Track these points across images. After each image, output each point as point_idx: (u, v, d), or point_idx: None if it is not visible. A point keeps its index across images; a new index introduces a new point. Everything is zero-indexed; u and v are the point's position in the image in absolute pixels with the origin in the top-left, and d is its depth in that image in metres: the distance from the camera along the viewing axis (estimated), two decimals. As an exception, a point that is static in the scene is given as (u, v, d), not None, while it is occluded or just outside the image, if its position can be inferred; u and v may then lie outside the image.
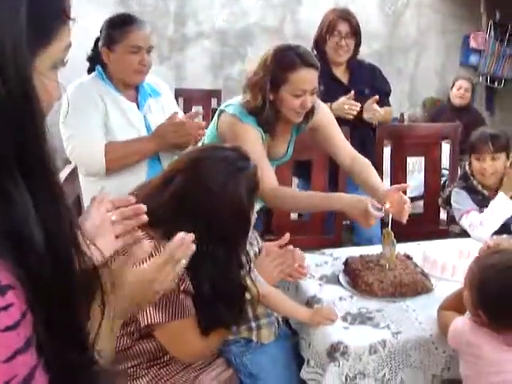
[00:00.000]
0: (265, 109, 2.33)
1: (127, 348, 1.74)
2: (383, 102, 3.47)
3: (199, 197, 1.67)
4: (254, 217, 1.84)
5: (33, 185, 0.72)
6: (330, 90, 3.21)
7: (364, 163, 2.55)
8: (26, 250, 0.71)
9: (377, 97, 3.25)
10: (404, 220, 2.21)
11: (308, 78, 2.30)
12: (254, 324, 1.98)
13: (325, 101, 3.05)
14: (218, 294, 1.69)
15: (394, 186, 2.37)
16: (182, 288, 1.65)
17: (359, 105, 3.21)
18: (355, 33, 3.34)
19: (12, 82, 0.69)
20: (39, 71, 0.74)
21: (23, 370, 0.70)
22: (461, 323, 1.73)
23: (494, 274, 1.63)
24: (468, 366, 1.70)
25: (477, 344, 1.64)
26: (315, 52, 3.36)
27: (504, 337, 1.62)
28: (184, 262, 1.21)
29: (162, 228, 1.64)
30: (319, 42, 3.38)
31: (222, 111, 2.47)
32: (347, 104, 3.19)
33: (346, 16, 3.35)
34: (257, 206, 1.91)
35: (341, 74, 3.41)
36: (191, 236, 1.22)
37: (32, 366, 0.72)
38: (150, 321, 1.63)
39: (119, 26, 2.47)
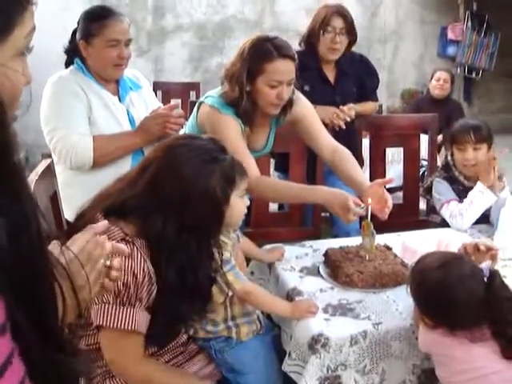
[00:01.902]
0: (242, 100, 2.32)
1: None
2: (369, 97, 3.47)
3: (171, 184, 1.66)
4: (242, 199, 1.85)
5: None
6: (316, 88, 3.21)
7: (345, 156, 2.53)
8: None
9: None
10: (385, 217, 2.22)
11: (284, 68, 2.29)
12: (231, 323, 1.97)
13: (311, 100, 3.08)
14: (184, 283, 1.68)
15: (377, 180, 2.35)
16: (139, 295, 1.62)
17: (348, 118, 3.15)
18: (349, 29, 3.22)
19: None
20: (2, 62, 0.73)
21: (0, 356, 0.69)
22: (422, 335, 1.75)
23: (425, 278, 1.69)
24: (441, 368, 1.73)
25: (446, 345, 1.66)
26: (304, 47, 3.31)
27: (459, 336, 1.63)
28: (102, 261, 1.14)
29: (136, 219, 1.65)
30: (311, 38, 3.26)
31: (201, 103, 2.46)
32: (336, 112, 3.14)
33: (341, 11, 3.22)
34: (247, 201, 1.91)
35: (329, 72, 3.32)
36: (104, 237, 1.17)
37: (8, 351, 0.70)
38: (100, 321, 1.61)
39: (97, 19, 2.43)
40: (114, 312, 1.61)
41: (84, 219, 1.70)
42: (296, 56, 2.35)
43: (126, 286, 1.60)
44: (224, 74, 2.40)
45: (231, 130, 2.33)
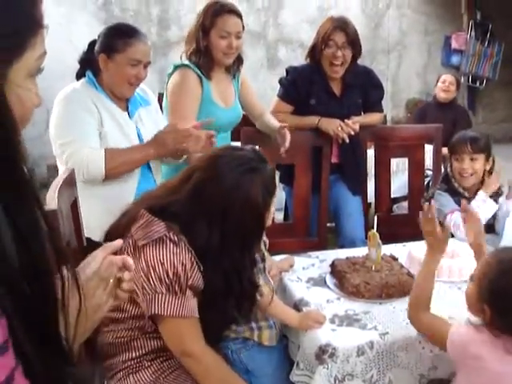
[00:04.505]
0: (200, 52, 2.82)
1: (134, 339, 1.81)
2: (374, 108, 3.48)
3: (214, 193, 1.74)
4: (270, 217, 1.89)
5: (6, 196, 0.72)
6: (322, 101, 3.23)
7: (269, 114, 3.18)
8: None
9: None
10: (281, 149, 2.86)
11: (231, 21, 2.81)
12: (254, 325, 2.01)
13: (317, 113, 3.16)
14: (230, 289, 1.76)
15: (280, 124, 2.98)
16: (189, 283, 1.70)
17: (352, 132, 3.16)
18: (352, 42, 3.19)
19: None
20: (13, 82, 0.74)
21: (1, 373, 0.71)
22: (460, 333, 1.68)
23: (508, 271, 1.59)
24: (469, 378, 1.67)
25: (479, 355, 1.61)
26: (309, 61, 3.32)
27: (504, 342, 1.58)
28: (112, 280, 1.14)
29: (179, 222, 1.73)
30: (315, 52, 3.26)
31: (168, 74, 2.90)
32: (341, 125, 3.15)
33: (342, 25, 3.19)
34: (273, 208, 1.94)
35: (335, 85, 3.31)
36: (120, 258, 1.17)
37: (11, 368, 0.72)
38: (153, 311, 1.69)
39: (122, 36, 2.43)
40: (168, 301, 1.68)
41: (128, 216, 1.81)
42: (242, 14, 2.87)
43: (176, 275, 1.67)
44: (185, 39, 2.94)
45: (189, 79, 2.81)
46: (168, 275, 1.67)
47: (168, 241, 1.70)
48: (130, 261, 1.17)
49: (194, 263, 1.72)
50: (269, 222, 1.90)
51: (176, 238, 1.70)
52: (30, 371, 0.75)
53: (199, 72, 2.83)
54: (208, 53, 2.84)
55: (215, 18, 2.79)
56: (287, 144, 2.87)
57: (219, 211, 1.73)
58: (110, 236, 1.83)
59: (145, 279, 1.69)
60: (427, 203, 1.93)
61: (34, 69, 0.79)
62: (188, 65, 2.83)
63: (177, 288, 1.68)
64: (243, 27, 2.88)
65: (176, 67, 2.87)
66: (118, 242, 1.20)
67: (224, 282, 1.75)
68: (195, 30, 2.85)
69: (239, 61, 3.00)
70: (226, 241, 1.73)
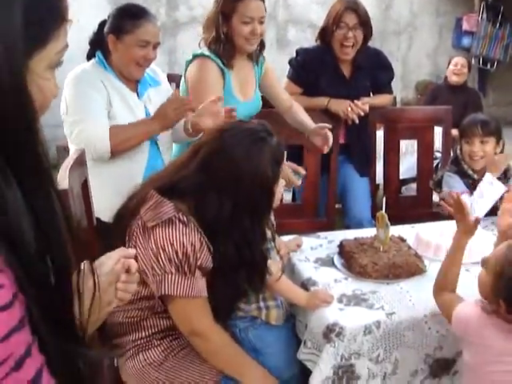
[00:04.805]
0: (220, 40, 2.65)
1: (144, 319, 1.84)
2: (384, 90, 3.48)
3: (223, 166, 1.75)
4: (280, 191, 1.90)
5: (27, 183, 0.75)
6: (331, 83, 3.24)
7: (299, 108, 3.01)
8: (17, 245, 0.73)
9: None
10: (323, 151, 2.77)
11: (254, 5, 2.63)
12: (262, 304, 2.03)
13: (326, 94, 3.15)
14: (242, 260, 1.77)
15: (319, 124, 2.82)
16: (198, 263, 1.72)
17: (362, 113, 3.17)
18: (363, 23, 3.19)
19: (5, 83, 0.71)
20: (35, 72, 0.76)
21: (19, 348, 0.73)
22: (466, 310, 1.70)
23: None
24: (472, 354, 1.69)
25: (483, 333, 1.63)
26: (319, 43, 3.32)
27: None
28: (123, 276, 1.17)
29: (188, 201, 1.75)
30: (325, 34, 3.25)
31: (189, 61, 2.74)
32: (350, 106, 3.16)
33: (353, 6, 3.18)
34: (283, 182, 1.94)
35: (345, 67, 3.31)
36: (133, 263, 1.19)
37: (28, 343, 0.75)
38: (163, 291, 1.71)
39: (131, 17, 2.44)
40: (177, 281, 1.70)
41: (137, 197, 1.81)
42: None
43: (186, 255, 1.69)
44: (203, 24, 2.74)
45: (209, 72, 2.65)
46: (177, 255, 1.69)
47: (177, 221, 1.71)
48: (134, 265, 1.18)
49: (204, 243, 1.73)
50: (278, 197, 1.90)
51: (185, 219, 1.71)
52: (44, 348, 0.78)
53: (220, 62, 2.68)
54: (229, 40, 2.67)
55: (236, 3, 2.61)
56: (330, 144, 2.76)
57: (229, 183, 1.74)
58: (119, 218, 1.85)
59: (154, 260, 1.71)
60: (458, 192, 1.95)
61: (55, 61, 0.81)
62: (208, 55, 2.68)
63: (186, 268, 1.70)
64: (265, 10, 2.71)
65: (195, 56, 2.72)
66: (133, 251, 1.21)
67: (235, 253, 1.76)
68: (214, 15, 2.67)
69: (261, 45, 2.83)
70: (237, 212, 1.74)
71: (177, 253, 1.69)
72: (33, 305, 0.75)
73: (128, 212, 1.82)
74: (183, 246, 1.69)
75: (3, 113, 0.71)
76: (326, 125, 2.80)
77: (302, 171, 2.53)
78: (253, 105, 2.89)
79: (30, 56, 0.75)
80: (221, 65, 2.68)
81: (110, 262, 1.14)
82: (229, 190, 1.74)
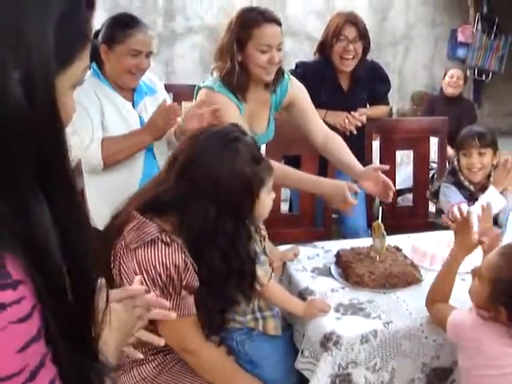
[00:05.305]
0: (235, 71, 2.36)
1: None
2: (380, 101, 3.52)
3: (200, 172, 1.71)
4: (270, 195, 1.85)
5: (54, 198, 0.76)
6: (329, 96, 3.26)
7: (338, 141, 2.61)
8: (42, 258, 0.74)
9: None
10: (389, 200, 2.35)
11: (272, 32, 2.36)
12: (259, 315, 2.02)
13: (324, 107, 3.14)
14: (230, 268, 1.74)
15: (371, 165, 2.45)
16: (184, 283, 1.69)
17: (359, 124, 3.20)
18: (362, 36, 3.23)
19: (40, 101, 0.73)
20: (58, 90, 0.78)
21: (35, 359, 0.74)
22: (461, 315, 1.72)
23: None
24: (467, 359, 1.71)
25: (478, 338, 1.64)
26: (319, 57, 3.34)
27: (507, 328, 1.60)
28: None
29: (172, 214, 1.72)
30: (325, 47, 3.27)
31: (199, 88, 2.50)
32: (348, 117, 3.18)
33: (352, 20, 3.22)
34: (273, 195, 1.90)
35: (343, 80, 3.34)
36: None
37: (43, 354, 0.76)
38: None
39: (122, 27, 2.46)
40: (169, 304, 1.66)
41: (120, 218, 1.78)
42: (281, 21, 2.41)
43: (170, 277, 1.66)
44: (215, 52, 2.44)
45: (228, 110, 2.37)
46: (161, 278, 1.66)
47: (160, 242, 1.68)
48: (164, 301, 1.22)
49: (188, 263, 1.70)
50: (267, 205, 1.86)
51: (168, 239, 1.68)
52: (57, 360, 0.79)
53: (234, 98, 2.41)
54: (244, 69, 2.38)
55: (252, 30, 2.32)
56: (390, 198, 2.36)
57: (209, 188, 1.69)
58: (104, 238, 1.82)
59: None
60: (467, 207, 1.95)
61: (78, 80, 0.84)
62: (222, 88, 2.40)
63: (171, 290, 1.68)
64: (282, 34, 2.43)
65: (208, 87, 2.43)
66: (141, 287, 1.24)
67: (222, 262, 1.72)
68: (228, 43, 2.35)
69: (279, 73, 2.49)
70: (220, 217, 1.70)
71: (160, 275, 1.66)
72: (51, 317, 0.76)
73: (113, 232, 1.79)
74: (166, 269, 1.66)
75: (36, 126, 0.73)
76: (380, 166, 2.47)
77: (356, 189, 2.33)
78: (264, 136, 2.66)
79: (58, 74, 0.77)
80: (234, 100, 2.42)
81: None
82: (210, 196, 1.69)
